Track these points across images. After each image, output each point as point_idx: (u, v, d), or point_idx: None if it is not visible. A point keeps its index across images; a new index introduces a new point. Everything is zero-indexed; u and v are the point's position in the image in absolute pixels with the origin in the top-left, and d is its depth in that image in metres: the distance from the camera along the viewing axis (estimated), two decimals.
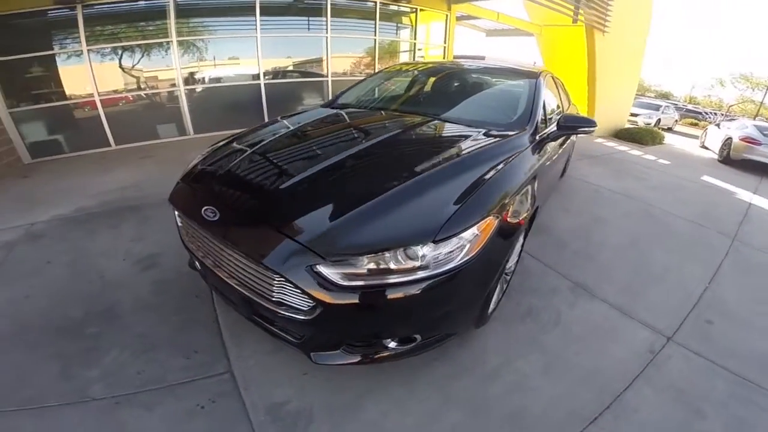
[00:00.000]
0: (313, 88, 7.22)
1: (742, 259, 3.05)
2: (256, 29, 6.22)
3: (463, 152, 1.81)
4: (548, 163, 2.37)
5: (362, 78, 3.39)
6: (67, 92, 5.54)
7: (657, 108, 14.65)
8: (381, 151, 1.85)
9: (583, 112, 8.19)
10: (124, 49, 5.80)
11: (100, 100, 5.60)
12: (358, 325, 1.37)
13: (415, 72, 3.25)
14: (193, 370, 1.67)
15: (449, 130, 2.20)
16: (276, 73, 6.85)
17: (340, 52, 7.43)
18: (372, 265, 1.24)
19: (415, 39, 8.35)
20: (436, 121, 2.26)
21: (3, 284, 2.30)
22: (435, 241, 1.25)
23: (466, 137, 2.02)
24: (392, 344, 1.43)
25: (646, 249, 2.94)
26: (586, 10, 6.55)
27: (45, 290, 2.24)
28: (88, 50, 5.38)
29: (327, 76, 7.21)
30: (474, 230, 1.35)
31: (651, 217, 3.58)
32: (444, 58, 8.61)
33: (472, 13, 9.13)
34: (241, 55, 6.55)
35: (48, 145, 5.57)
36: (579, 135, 4.29)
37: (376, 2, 7.17)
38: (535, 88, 2.43)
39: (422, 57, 8.75)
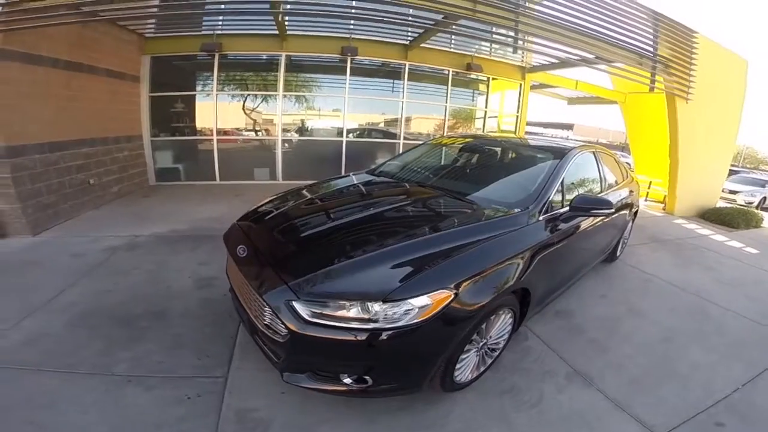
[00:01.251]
0: (385, 148, 8.00)
1: None
2: (345, 89, 7.28)
3: (448, 226, 1.99)
4: (566, 244, 2.37)
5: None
6: (195, 129, 7.04)
7: (763, 184, 12.61)
8: (379, 219, 2.18)
9: (664, 187, 7.53)
10: (243, 95, 7.21)
11: (217, 140, 6.99)
12: (318, 355, 1.62)
13: (451, 146, 3.55)
14: (198, 369, 2.06)
15: (451, 205, 2.37)
16: (356, 132, 7.83)
17: (413, 117, 8.18)
18: (334, 310, 1.52)
19: (486, 107, 8.77)
20: (444, 197, 2.45)
21: (97, 278, 3.10)
22: (385, 301, 1.50)
23: (462, 213, 2.22)
24: (347, 380, 1.63)
25: (681, 346, 2.60)
26: (666, 78, 6.20)
27: (124, 288, 2.93)
28: (217, 94, 6.83)
29: (399, 138, 7.97)
30: (425, 299, 1.53)
31: (702, 314, 3.14)
32: (516, 126, 8.81)
33: (549, 82, 9.24)
34: (330, 113, 7.67)
35: (171, 172, 7.05)
36: (637, 215, 4.20)
37: (449, 70, 7.82)
38: (554, 168, 2.46)
39: (494, 125, 9.13)
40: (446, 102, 8.11)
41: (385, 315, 1.49)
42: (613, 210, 2.45)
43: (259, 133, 7.50)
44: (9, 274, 3.12)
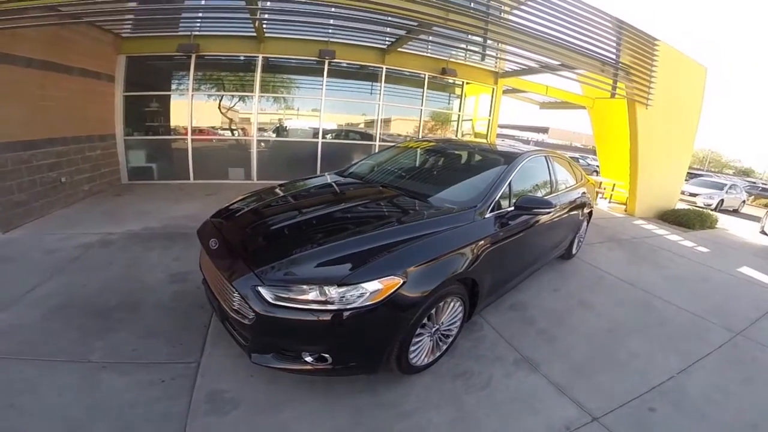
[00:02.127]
0: (361, 150, 8.14)
1: (736, 353, 2.86)
2: (322, 90, 7.40)
3: (401, 222, 2.20)
4: (516, 240, 2.61)
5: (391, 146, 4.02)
6: (170, 128, 7.02)
7: (721, 187, 13.55)
8: (341, 215, 2.38)
9: (627, 189, 7.97)
10: (219, 95, 7.25)
11: (191, 139, 6.99)
12: (282, 336, 1.79)
13: (417, 149, 3.77)
14: (172, 356, 2.19)
15: (407, 203, 2.54)
16: (332, 133, 7.97)
17: (389, 119, 8.40)
18: (295, 294, 1.70)
19: (460, 110, 9.06)
20: (403, 196, 2.63)
21: (71, 273, 3.16)
22: (339, 284, 1.68)
23: (416, 210, 2.43)
24: (309, 359, 1.80)
25: (623, 337, 2.87)
26: (627, 84, 6.53)
27: (99, 282, 3.00)
28: (192, 93, 6.83)
29: (376, 140, 8.15)
30: (376, 283, 1.71)
31: (647, 308, 3.45)
32: (489, 129, 9.14)
33: (521, 87, 9.60)
34: (306, 115, 7.79)
35: (143, 170, 7.01)
36: (592, 215, 4.54)
37: (425, 74, 8.08)
38: (503, 171, 2.71)
39: (468, 128, 9.44)
40: (422, 105, 8.34)
41: (341, 297, 1.67)
42: (552, 210, 2.64)
43: (234, 132, 7.55)
44: None
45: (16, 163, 4.31)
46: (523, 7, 5.50)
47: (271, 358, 1.82)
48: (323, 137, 7.67)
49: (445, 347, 2.31)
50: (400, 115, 8.53)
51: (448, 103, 9.09)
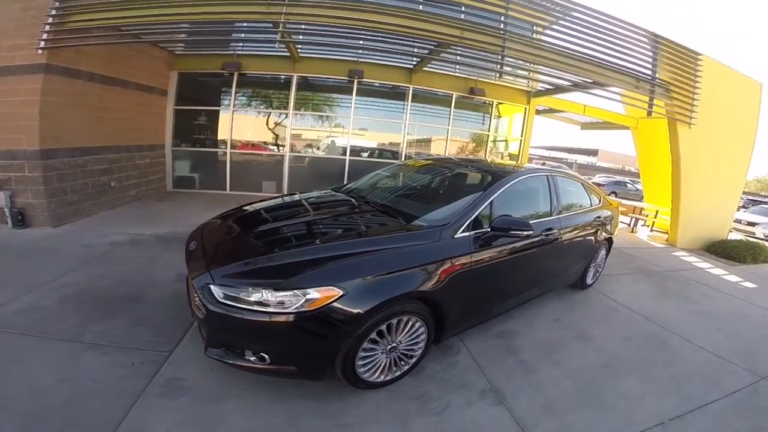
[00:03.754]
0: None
1: (754, 399, 2.47)
2: (351, 109, 7.71)
3: (358, 235, 2.27)
4: (500, 264, 2.52)
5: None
6: (212, 141, 7.66)
7: None
8: (305, 227, 2.51)
9: (669, 216, 7.25)
10: (257, 112, 7.81)
11: (230, 153, 7.57)
12: (228, 332, 1.90)
13: (413, 168, 3.80)
14: (151, 344, 2.39)
15: (375, 219, 2.61)
16: (359, 151, 8.21)
17: (416, 138, 8.47)
18: (240, 294, 1.80)
19: (489, 130, 8.89)
20: (376, 212, 2.68)
21: (96, 265, 3.56)
22: (276, 288, 1.76)
23: (381, 226, 2.50)
24: (251, 357, 1.86)
25: (617, 375, 2.58)
26: (667, 102, 6.01)
27: (115, 276, 3.35)
28: (234, 109, 7.42)
29: (401, 159, 8.23)
30: (313, 292, 1.75)
31: (658, 345, 3.08)
32: (520, 150, 8.85)
33: (557, 107, 9.21)
34: (336, 132, 8.13)
35: (186, 180, 7.67)
36: (612, 242, 4.31)
37: (453, 93, 8.08)
38: (485, 190, 2.62)
39: (499, 149, 9.23)
40: (449, 125, 8.32)
41: (278, 302, 1.74)
42: (532, 231, 2.47)
43: (269, 148, 8.02)
44: (24, 258, 3.65)
45: (72, 167, 4.97)
46: (554, 26, 5.42)
47: (221, 353, 1.92)
48: (351, 155, 7.92)
49: (406, 367, 2.26)
50: (426, 135, 8.57)
51: (477, 123, 8.97)
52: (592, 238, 3.74)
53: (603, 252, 4.17)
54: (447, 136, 8.43)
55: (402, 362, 2.23)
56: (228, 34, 6.26)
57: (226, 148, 7.48)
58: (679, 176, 6.58)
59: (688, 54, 6.16)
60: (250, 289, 1.78)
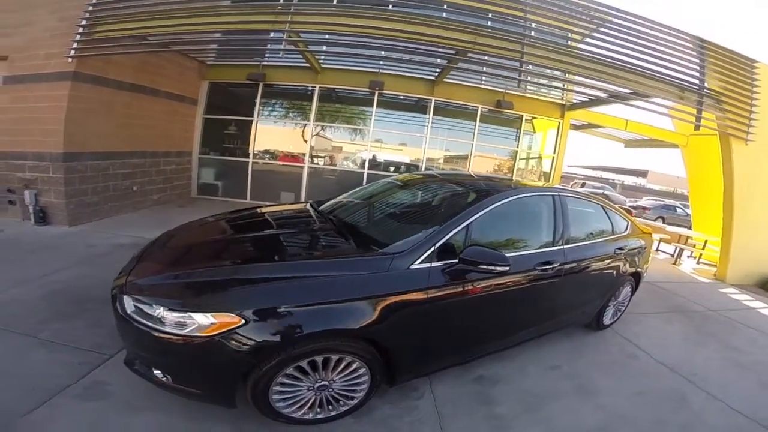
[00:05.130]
0: None
1: None
2: (371, 121, 7.59)
3: (283, 258, 2.08)
4: (478, 300, 2.13)
5: None
6: (238, 150, 7.87)
7: None
8: (247, 245, 2.32)
9: (718, 246, 6.25)
10: (282, 122, 7.93)
11: (252, 162, 7.72)
12: (136, 345, 1.80)
13: (401, 183, 3.44)
14: (96, 346, 2.36)
15: (321, 240, 2.40)
16: (378, 165, 8.03)
17: (436, 153, 8.13)
18: (144, 308, 1.67)
19: (517, 147, 8.31)
20: (330, 232, 2.44)
21: (90, 265, 3.65)
22: (169, 309, 1.62)
23: (325, 247, 2.30)
24: (155, 371, 1.75)
25: None
26: (718, 115, 5.21)
27: (102, 276, 3.35)
28: (257, 120, 7.57)
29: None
30: (208, 317, 1.57)
31: (678, 403, 2.47)
32: (552, 168, 8.18)
33: (595, 122, 8.46)
34: (355, 144, 8.03)
35: (210, 187, 7.91)
36: (640, 276, 3.67)
37: (478, 107, 7.67)
38: (460, 213, 2.21)
39: (528, 166, 8.65)
40: (473, 140, 7.88)
41: (172, 322, 1.60)
42: (508, 267, 1.99)
43: (288, 159, 8.08)
44: (30, 253, 3.83)
45: (94, 170, 5.25)
46: (594, 34, 4.98)
47: (136, 364, 1.83)
48: (369, 168, 7.76)
49: (345, 408, 1.96)
50: (449, 150, 8.21)
51: (506, 139, 8.41)
52: (613, 272, 3.17)
53: (627, 289, 3.55)
54: (471, 152, 7.99)
55: (341, 401, 1.94)
56: (249, 44, 6.32)
57: (248, 157, 7.64)
58: (732, 200, 5.65)
59: (741, 61, 5.39)
60: (153, 305, 1.65)
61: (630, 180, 34.84)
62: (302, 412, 1.86)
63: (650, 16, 5.08)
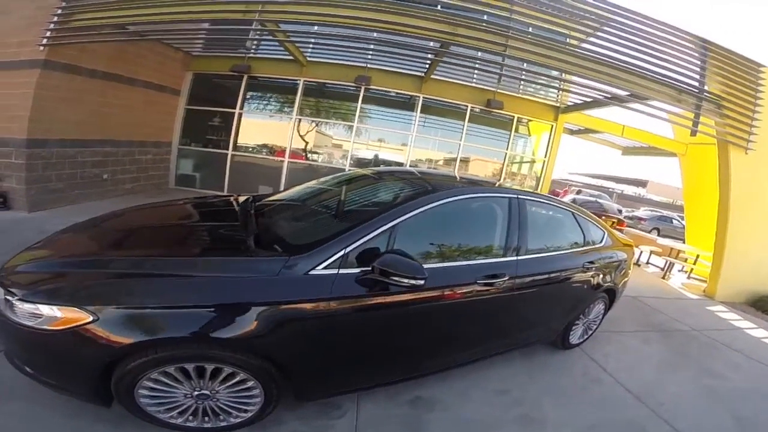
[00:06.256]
0: None
1: None
2: (355, 117, 7.35)
3: (168, 255, 1.81)
4: (384, 316, 1.84)
5: None
6: (218, 142, 7.69)
7: None
8: (146, 237, 2.17)
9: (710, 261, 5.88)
10: (261, 115, 7.74)
11: (231, 155, 7.55)
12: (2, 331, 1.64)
13: (344, 178, 3.20)
14: None
15: (230, 236, 2.21)
16: (360, 162, 7.80)
17: (422, 152, 7.87)
18: (7, 295, 1.53)
19: (507, 149, 7.96)
20: (238, 230, 2.19)
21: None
22: (21, 299, 1.48)
23: (221, 246, 2.07)
24: (16, 360, 1.64)
25: None
26: (718, 120, 4.87)
27: None
28: (240, 112, 7.36)
29: None
30: (55, 310, 1.43)
31: None
32: (543, 172, 7.84)
33: (591, 127, 8.08)
34: (339, 140, 7.80)
35: (188, 178, 7.75)
36: (615, 295, 3.34)
37: (467, 106, 7.36)
38: (384, 212, 1.92)
39: (520, 170, 8.34)
40: (461, 140, 7.57)
41: (22, 311, 1.47)
42: (421, 281, 1.70)
43: (269, 154, 7.86)
44: None
45: (60, 157, 5.10)
46: (599, 33, 4.68)
47: (3, 349, 1.77)
48: (352, 165, 7.53)
49: (238, 420, 1.75)
50: (435, 149, 7.93)
51: (496, 140, 8.05)
52: (582, 287, 2.86)
53: (600, 306, 3.25)
54: (458, 152, 7.69)
55: (232, 413, 1.73)
56: (227, 34, 6.02)
57: (228, 149, 7.45)
58: (727, 213, 5.28)
59: (745, 65, 5.02)
60: (12, 293, 1.51)
61: (630, 190, 34.13)
62: (183, 418, 1.67)
63: (648, 14, 4.73)
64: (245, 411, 1.74)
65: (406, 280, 1.67)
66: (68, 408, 1.77)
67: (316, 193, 2.98)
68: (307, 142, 7.79)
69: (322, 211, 2.66)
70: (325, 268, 1.68)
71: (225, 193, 6.68)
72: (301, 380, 1.78)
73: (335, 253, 1.72)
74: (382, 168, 5.54)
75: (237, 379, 1.63)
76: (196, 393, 1.62)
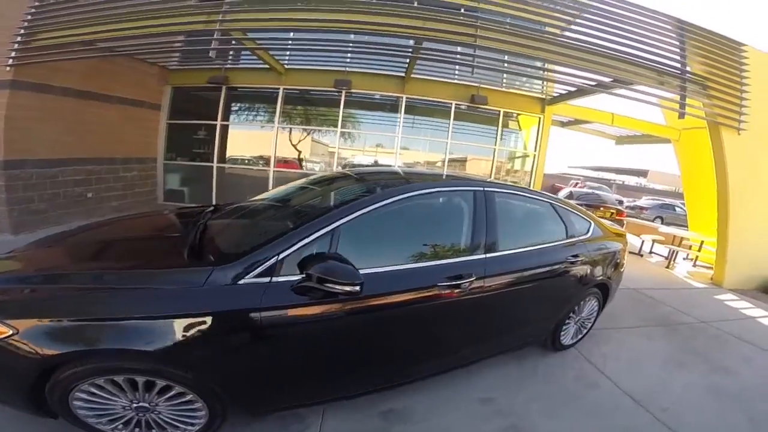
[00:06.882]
0: None
1: None
2: (338, 122, 7.24)
3: (112, 267, 1.85)
4: (327, 324, 1.67)
5: None
6: (203, 155, 7.61)
7: None
8: (96, 249, 2.13)
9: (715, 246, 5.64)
10: (242, 125, 7.65)
11: (216, 167, 7.46)
12: None
13: (317, 181, 3.12)
14: None
15: (172, 245, 2.12)
16: (348, 167, 7.67)
17: (410, 152, 7.74)
18: None
19: (495, 145, 7.76)
20: (181, 239, 2.03)
21: None
22: None
23: (158, 257, 1.98)
24: None
25: None
26: (705, 101, 4.73)
27: None
28: (221, 123, 7.29)
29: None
30: None
31: None
32: (534, 166, 7.66)
33: (581, 117, 7.92)
34: (324, 147, 7.70)
35: (176, 193, 7.66)
36: (609, 291, 3.17)
37: (452, 103, 7.23)
38: (324, 214, 1.78)
39: (510, 166, 8.16)
40: (448, 138, 7.42)
41: None
42: (357, 287, 1.54)
43: (254, 164, 7.76)
44: None
45: (41, 177, 5.02)
46: (578, 20, 4.55)
47: None
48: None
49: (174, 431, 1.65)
50: (422, 149, 7.79)
51: (483, 137, 7.87)
52: (568, 283, 2.68)
53: (593, 303, 3.05)
54: (446, 151, 7.53)
55: (178, 427, 1.64)
56: (195, 45, 5.88)
57: (212, 162, 7.36)
58: (727, 196, 5.07)
59: (726, 44, 4.88)
60: None
61: (631, 180, 33.81)
62: (128, 430, 1.61)
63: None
64: (191, 425, 1.65)
65: (339, 287, 1.52)
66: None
67: (279, 199, 2.87)
68: (298, 151, 7.70)
69: (273, 216, 2.55)
70: (255, 276, 1.56)
71: (206, 205, 6.58)
72: (244, 393, 1.66)
73: (266, 261, 1.59)
74: (364, 168, 5.40)
75: (174, 392, 1.53)
76: (135, 405, 1.55)
